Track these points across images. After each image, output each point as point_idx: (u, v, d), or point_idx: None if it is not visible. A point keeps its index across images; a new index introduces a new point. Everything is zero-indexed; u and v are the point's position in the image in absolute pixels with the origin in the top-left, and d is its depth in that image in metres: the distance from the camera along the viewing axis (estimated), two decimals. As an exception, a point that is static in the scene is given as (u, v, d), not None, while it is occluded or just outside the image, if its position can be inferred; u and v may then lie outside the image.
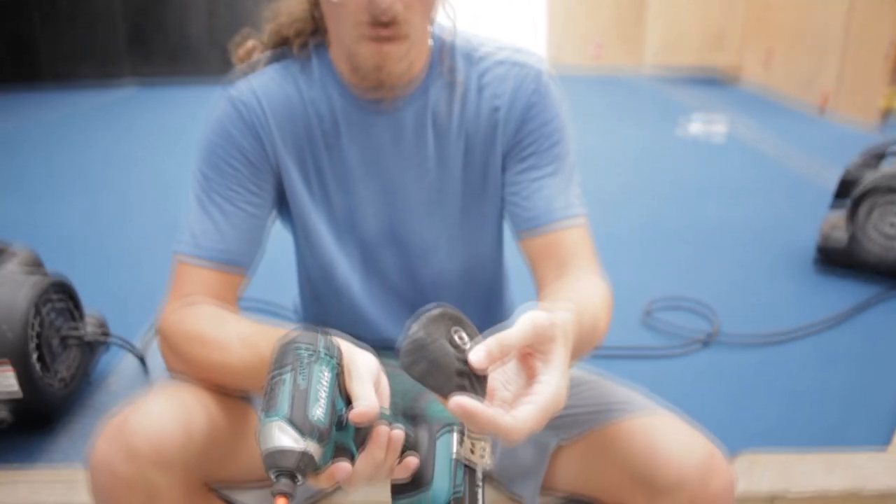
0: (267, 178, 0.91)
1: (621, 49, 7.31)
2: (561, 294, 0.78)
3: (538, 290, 0.91)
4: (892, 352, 1.69)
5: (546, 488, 0.90)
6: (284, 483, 0.55)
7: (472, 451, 0.67)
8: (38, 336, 1.20)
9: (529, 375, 0.60)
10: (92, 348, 1.37)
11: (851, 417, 1.38)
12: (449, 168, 0.94)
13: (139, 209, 2.85)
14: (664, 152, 3.97)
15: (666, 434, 0.79)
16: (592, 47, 7.37)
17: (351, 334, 1.01)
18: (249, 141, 0.89)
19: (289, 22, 0.93)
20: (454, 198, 0.95)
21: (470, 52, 0.94)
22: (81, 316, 1.35)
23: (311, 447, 0.56)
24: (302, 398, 0.57)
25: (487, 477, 0.88)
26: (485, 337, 0.59)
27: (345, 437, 0.61)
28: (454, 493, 0.65)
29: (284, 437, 0.55)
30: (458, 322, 0.61)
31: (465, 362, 0.58)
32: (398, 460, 0.63)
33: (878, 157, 2.14)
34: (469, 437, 0.66)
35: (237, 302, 0.92)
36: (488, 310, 1.06)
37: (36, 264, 1.32)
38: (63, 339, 1.28)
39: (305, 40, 0.92)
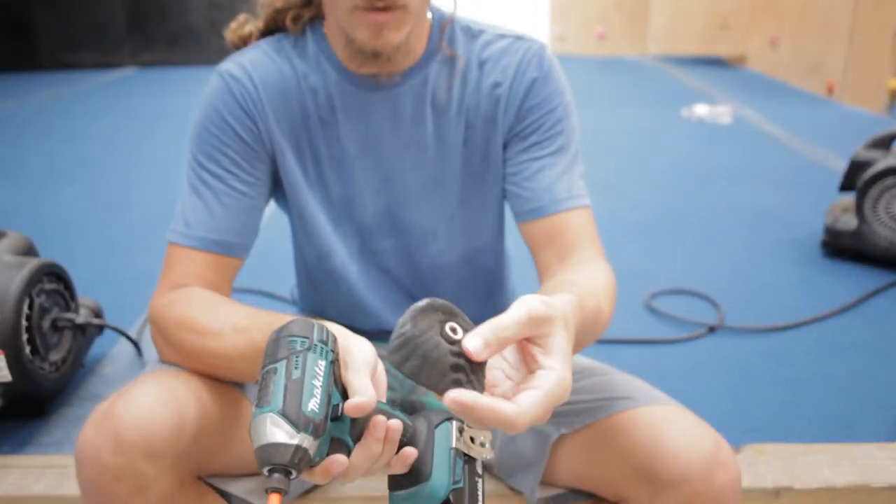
0: (260, 158, 0.88)
1: (624, 37, 7.26)
2: (563, 280, 0.76)
3: (540, 276, 0.89)
4: (901, 341, 1.66)
5: (546, 481, 0.88)
6: (278, 479, 0.53)
7: (472, 442, 0.65)
8: (29, 320, 1.19)
9: (530, 365, 0.57)
10: (85, 333, 1.36)
11: (859, 408, 1.35)
12: (448, 148, 0.91)
13: (139, 194, 2.83)
14: (669, 135, 3.94)
15: (671, 426, 0.77)
16: (595, 36, 7.31)
17: (348, 322, 1.00)
18: (241, 118, 0.87)
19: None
20: (454, 180, 0.92)
21: (470, 26, 0.91)
22: (74, 300, 1.33)
23: (306, 441, 0.53)
24: (296, 390, 0.54)
25: (486, 468, 0.86)
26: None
27: (340, 429, 0.59)
28: (453, 485, 0.63)
29: (278, 431, 0.53)
30: (450, 314, 0.58)
31: (460, 355, 0.56)
32: (396, 452, 0.61)
33: (888, 140, 2.10)
34: (469, 427, 0.64)
35: (231, 287, 0.90)
36: (489, 297, 1.04)
37: (27, 248, 1.30)
38: (55, 323, 1.26)
39: (299, 13, 0.89)
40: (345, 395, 0.59)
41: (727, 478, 0.74)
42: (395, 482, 0.63)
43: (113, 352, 1.53)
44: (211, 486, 0.82)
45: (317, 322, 0.60)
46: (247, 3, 0.99)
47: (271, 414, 0.53)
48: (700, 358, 1.57)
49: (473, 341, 0.55)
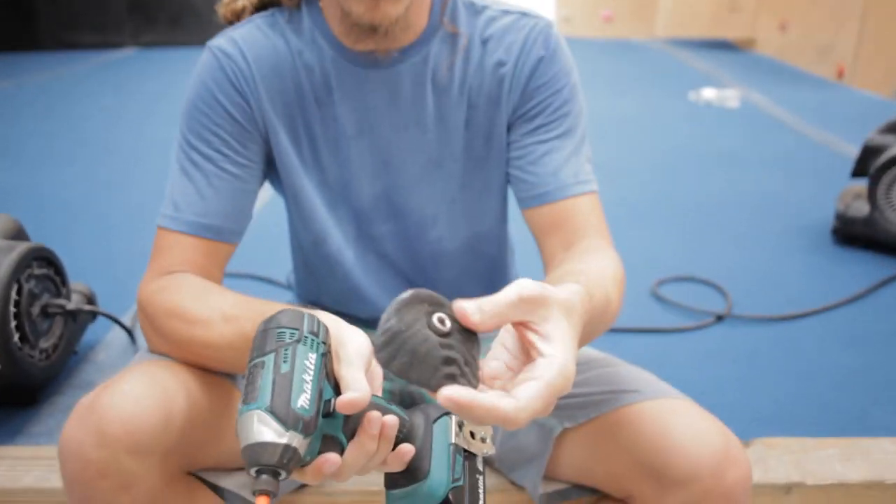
0: (253, 139, 0.85)
1: (632, 20, 7.16)
2: (570, 270, 0.72)
3: (545, 265, 0.85)
4: (914, 331, 1.63)
5: (549, 476, 0.85)
6: (266, 480, 0.50)
7: (473, 437, 0.63)
8: (18, 306, 1.16)
9: (531, 353, 0.53)
10: (77, 319, 1.33)
11: (872, 401, 1.32)
12: (449, 130, 0.87)
13: (139, 176, 2.80)
14: (676, 119, 3.89)
15: (679, 420, 0.74)
16: (602, 18, 7.21)
17: (344, 309, 0.96)
18: (232, 97, 0.83)
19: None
20: (455, 163, 0.89)
21: (473, 1, 0.87)
22: (66, 285, 1.30)
23: (296, 440, 0.50)
24: (285, 385, 0.51)
25: (487, 463, 0.82)
26: None
27: (333, 426, 0.56)
28: (453, 483, 0.60)
29: (265, 430, 0.50)
30: (436, 304, 0.54)
31: (451, 347, 0.52)
32: (392, 449, 0.58)
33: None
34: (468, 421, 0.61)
35: (223, 274, 0.86)
36: (491, 285, 1.01)
37: (16, 231, 1.27)
38: (45, 310, 1.23)
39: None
40: (337, 390, 0.56)
41: (738, 475, 0.71)
42: (392, 480, 0.61)
43: (107, 338, 1.50)
44: (202, 480, 0.79)
45: (307, 312, 0.57)
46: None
47: (258, 411, 0.50)
48: (708, 347, 1.54)
49: (466, 303, 0.52)
